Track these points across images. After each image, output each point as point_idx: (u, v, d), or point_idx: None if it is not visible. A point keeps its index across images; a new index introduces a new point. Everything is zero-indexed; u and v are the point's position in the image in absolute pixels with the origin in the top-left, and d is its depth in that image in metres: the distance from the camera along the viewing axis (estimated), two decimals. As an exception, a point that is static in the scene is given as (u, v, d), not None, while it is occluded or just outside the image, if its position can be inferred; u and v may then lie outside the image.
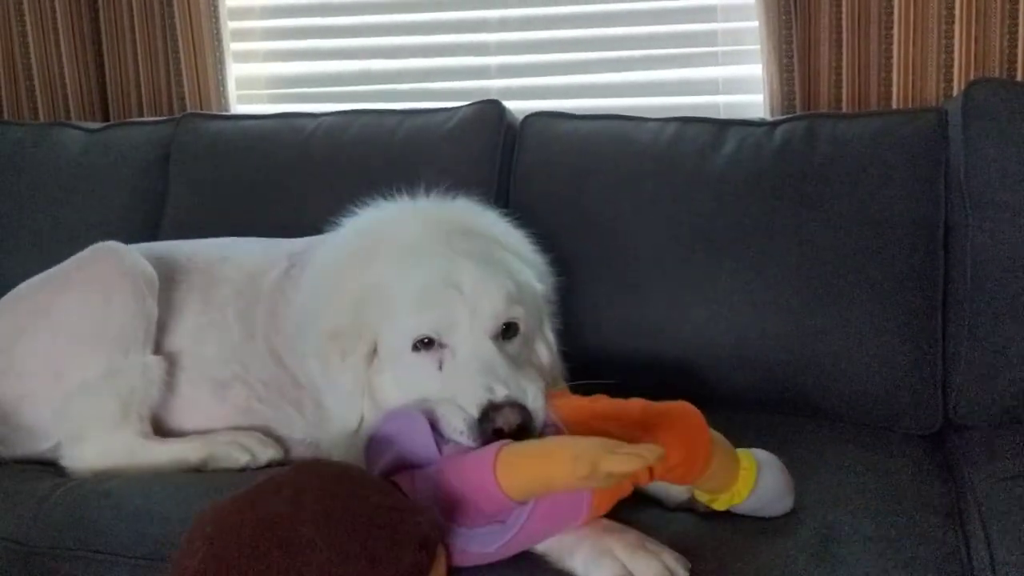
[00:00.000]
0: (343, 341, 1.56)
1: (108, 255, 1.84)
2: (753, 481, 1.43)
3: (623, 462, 1.18)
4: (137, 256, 1.85)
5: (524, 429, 1.38)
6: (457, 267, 1.52)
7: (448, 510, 1.30)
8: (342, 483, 1.26)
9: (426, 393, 1.48)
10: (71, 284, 1.85)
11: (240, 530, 1.19)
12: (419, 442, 1.37)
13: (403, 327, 1.51)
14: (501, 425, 1.37)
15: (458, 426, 1.40)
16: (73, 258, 1.88)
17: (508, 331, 1.53)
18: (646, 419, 1.37)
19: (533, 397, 1.43)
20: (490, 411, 1.38)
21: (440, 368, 1.49)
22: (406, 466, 1.38)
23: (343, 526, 1.19)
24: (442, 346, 1.50)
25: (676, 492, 1.52)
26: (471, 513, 1.29)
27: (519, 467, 1.25)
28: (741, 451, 1.45)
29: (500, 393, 1.40)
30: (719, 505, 1.46)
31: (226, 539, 1.19)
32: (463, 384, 1.43)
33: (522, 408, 1.39)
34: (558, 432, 1.39)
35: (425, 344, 1.50)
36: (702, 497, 1.47)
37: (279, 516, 1.19)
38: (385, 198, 1.76)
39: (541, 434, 1.39)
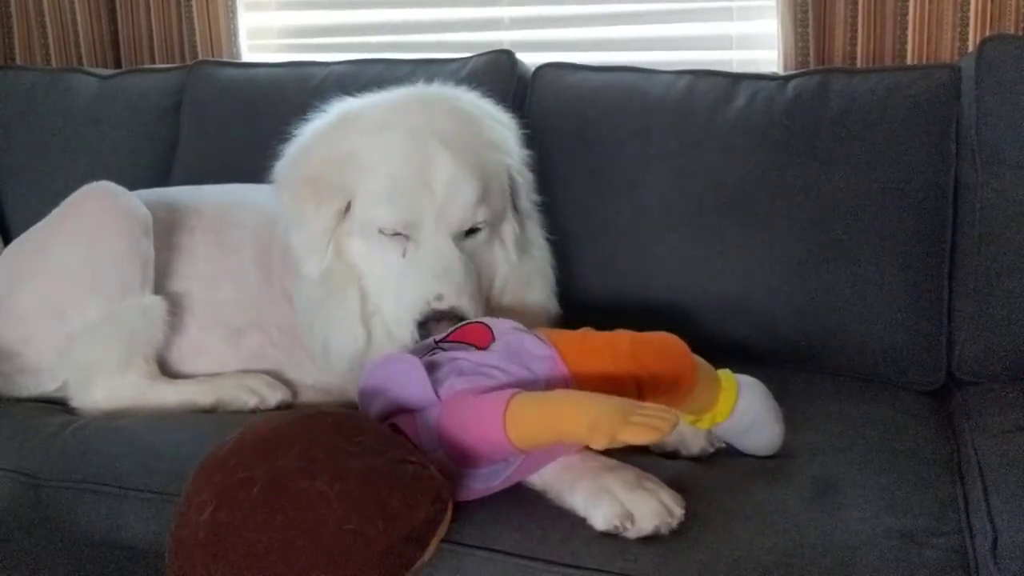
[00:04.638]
0: (320, 190, 1.65)
1: (100, 196, 1.83)
2: (734, 399, 1.47)
3: (639, 434, 1.17)
4: (130, 196, 1.84)
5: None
6: (432, 157, 1.60)
7: (453, 454, 1.31)
8: (353, 436, 1.23)
9: (388, 272, 1.61)
10: (65, 225, 1.84)
11: (250, 486, 1.16)
12: (414, 383, 1.35)
13: (373, 213, 1.62)
14: (435, 335, 1.52)
15: (404, 317, 1.59)
16: (68, 199, 1.86)
17: (471, 231, 1.64)
18: (635, 349, 1.40)
19: (471, 304, 1.59)
20: (431, 320, 1.55)
21: (404, 255, 1.61)
22: (402, 411, 1.38)
23: (357, 481, 1.16)
24: (407, 238, 1.61)
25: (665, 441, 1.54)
26: (477, 458, 1.30)
27: (530, 424, 1.24)
28: (721, 371, 1.49)
29: (445, 304, 1.56)
30: (703, 424, 1.51)
31: (236, 495, 1.16)
32: (417, 281, 1.59)
33: (460, 319, 1.54)
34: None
35: (392, 233, 1.61)
36: (687, 419, 1.50)
37: (291, 472, 1.17)
38: None
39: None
